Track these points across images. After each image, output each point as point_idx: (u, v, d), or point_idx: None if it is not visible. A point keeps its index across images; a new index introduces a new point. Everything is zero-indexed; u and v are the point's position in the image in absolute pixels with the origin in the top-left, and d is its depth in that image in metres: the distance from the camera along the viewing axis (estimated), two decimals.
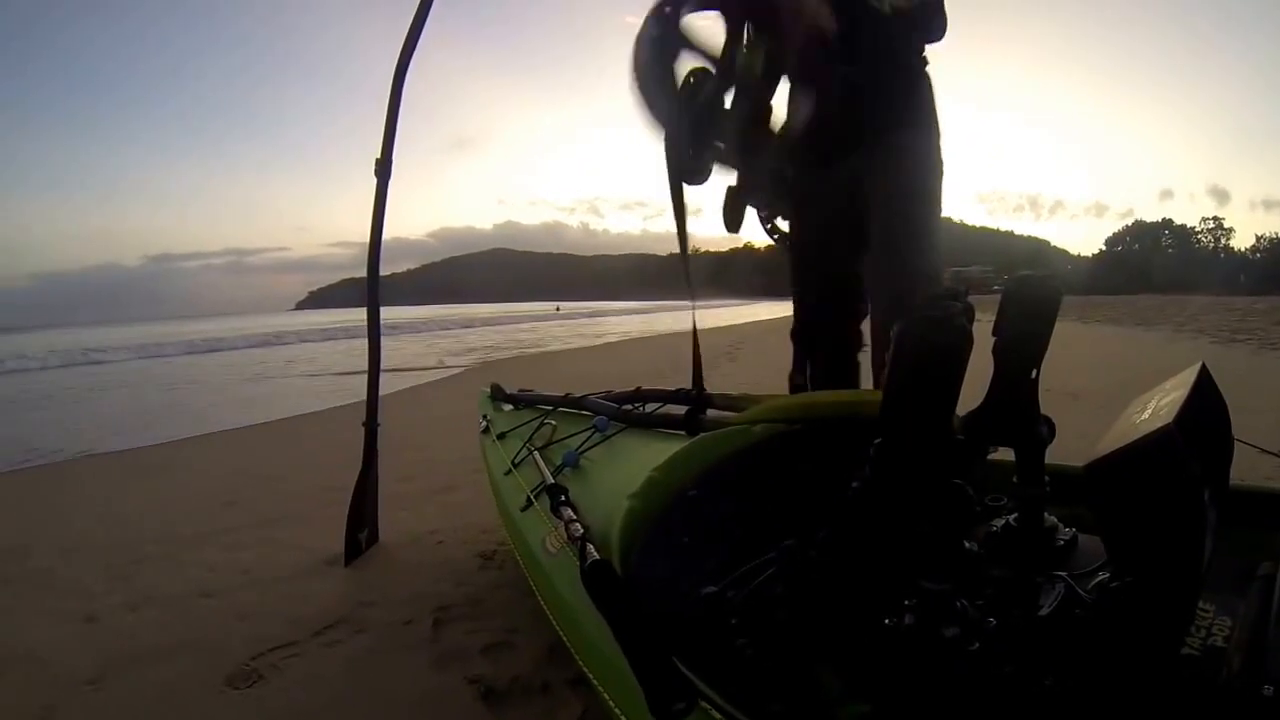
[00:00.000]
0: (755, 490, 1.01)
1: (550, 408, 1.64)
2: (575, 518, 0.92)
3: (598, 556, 0.76)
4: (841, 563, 0.70)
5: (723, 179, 1.36)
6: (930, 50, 1.54)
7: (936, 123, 1.56)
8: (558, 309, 42.10)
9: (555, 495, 1.00)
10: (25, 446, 4.13)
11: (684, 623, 0.73)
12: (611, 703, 0.69)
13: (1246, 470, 0.86)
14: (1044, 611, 0.63)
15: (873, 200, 1.53)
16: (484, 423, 1.72)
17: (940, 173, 1.54)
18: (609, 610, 0.68)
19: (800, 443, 1.07)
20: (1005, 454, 0.85)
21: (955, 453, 0.73)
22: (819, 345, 1.66)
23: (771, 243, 1.72)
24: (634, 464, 1.12)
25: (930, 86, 1.56)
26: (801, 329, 1.68)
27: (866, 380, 1.57)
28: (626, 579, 0.80)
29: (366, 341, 2.00)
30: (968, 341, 0.71)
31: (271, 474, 3.04)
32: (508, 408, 1.83)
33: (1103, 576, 0.66)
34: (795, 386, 1.65)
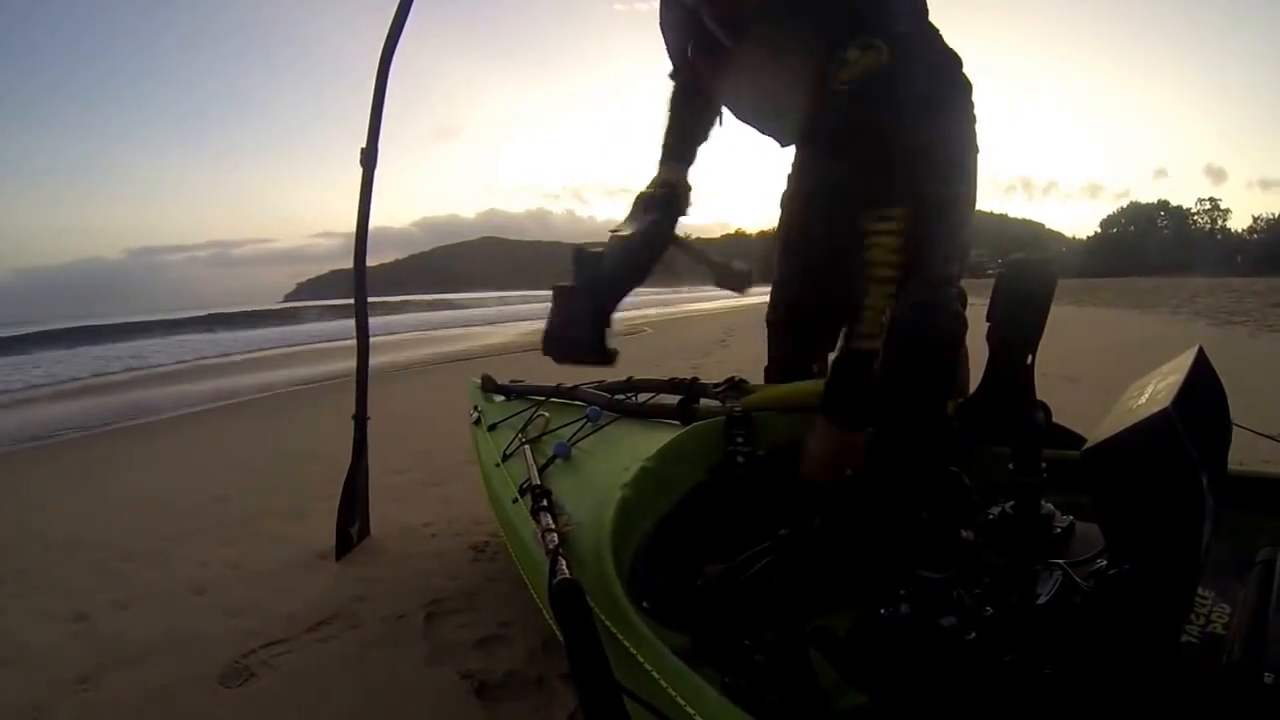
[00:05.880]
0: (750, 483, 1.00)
1: (542, 398, 1.62)
2: (553, 525, 0.90)
3: (567, 574, 0.74)
4: (837, 552, 0.69)
5: None
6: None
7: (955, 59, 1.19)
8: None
9: (537, 498, 0.99)
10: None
11: (683, 604, 0.72)
12: None
13: (1245, 454, 0.85)
14: (1042, 600, 0.62)
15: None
16: (475, 414, 1.70)
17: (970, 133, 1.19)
18: (569, 633, 0.67)
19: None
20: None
21: (951, 440, 0.72)
22: (779, 344, 1.45)
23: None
24: (626, 454, 1.11)
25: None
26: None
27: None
28: (618, 567, 0.80)
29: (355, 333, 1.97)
30: (962, 327, 0.69)
31: (261, 466, 3.02)
32: (499, 398, 1.81)
33: (1101, 564, 0.65)
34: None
